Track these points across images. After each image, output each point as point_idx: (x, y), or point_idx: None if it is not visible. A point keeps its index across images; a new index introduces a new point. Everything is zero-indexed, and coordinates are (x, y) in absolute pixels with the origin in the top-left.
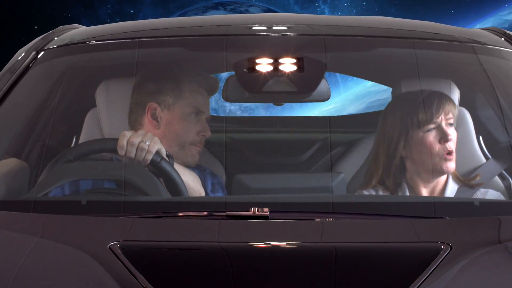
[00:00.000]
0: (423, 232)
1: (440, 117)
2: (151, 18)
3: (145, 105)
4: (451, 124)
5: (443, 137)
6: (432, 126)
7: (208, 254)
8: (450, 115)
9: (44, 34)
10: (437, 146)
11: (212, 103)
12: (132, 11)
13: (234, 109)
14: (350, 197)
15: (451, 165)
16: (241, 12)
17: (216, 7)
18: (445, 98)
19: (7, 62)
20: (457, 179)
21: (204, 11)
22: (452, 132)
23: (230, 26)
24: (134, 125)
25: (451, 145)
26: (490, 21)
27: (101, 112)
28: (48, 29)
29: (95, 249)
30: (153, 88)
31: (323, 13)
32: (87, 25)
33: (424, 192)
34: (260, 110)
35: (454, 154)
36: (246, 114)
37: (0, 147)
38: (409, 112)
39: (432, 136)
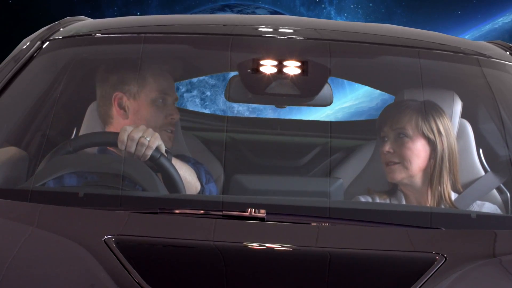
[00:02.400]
0: (418, 241)
1: (396, 128)
2: None
3: (111, 96)
4: (404, 136)
5: (385, 148)
6: (384, 135)
7: (202, 253)
8: (409, 128)
9: (50, 25)
10: (382, 155)
11: (220, 104)
12: (138, 13)
13: (242, 109)
14: (347, 203)
15: (392, 175)
16: (247, 14)
17: (223, 9)
18: (413, 110)
19: None
20: (454, 190)
21: (211, 12)
22: (399, 144)
23: (236, 26)
24: (105, 118)
25: (391, 156)
26: (496, 24)
27: None
28: None
29: (90, 242)
30: (117, 78)
31: (329, 14)
32: None
33: (417, 201)
34: (268, 110)
35: (398, 165)
36: (254, 115)
37: (0, 135)
38: (396, 121)
39: (382, 146)
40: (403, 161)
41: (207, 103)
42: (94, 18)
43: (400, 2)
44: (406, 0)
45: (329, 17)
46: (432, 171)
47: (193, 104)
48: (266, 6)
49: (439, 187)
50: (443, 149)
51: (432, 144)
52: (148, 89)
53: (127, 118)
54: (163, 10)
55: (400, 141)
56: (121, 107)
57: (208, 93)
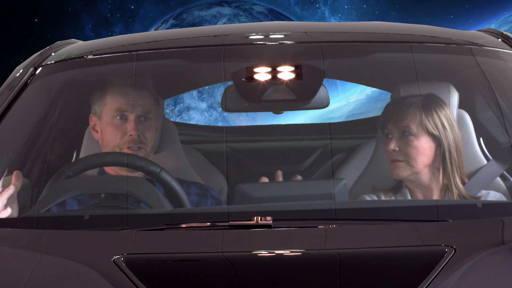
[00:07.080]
0: (426, 235)
1: (400, 126)
2: (152, 15)
3: (88, 117)
4: (409, 134)
5: (390, 145)
6: (388, 133)
7: (213, 265)
8: (414, 125)
9: (41, 50)
10: (386, 153)
11: (217, 97)
12: (132, 7)
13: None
14: (353, 203)
15: (397, 172)
16: (245, 10)
17: (220, 4)
18: (416, 107)
19: (6, 54)
20: (457, 186)
21: (209, 7)
22: (404, 142)
23: (227, 36)
24: (90, 136)
25: (396, 154)
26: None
27: None
28: (48, 23)
29: (99, 263)
30: (92, 100)
31: (323, 14)
32: (88, 20)
33: (424, 195)
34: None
35: (403, 163)
36: (263, 115)
37: (1, 164)
38: (400, 118)
39: (387, 143)
40: (408, 159)
41: (204, 95)
42: (87, 10)
43: (393, 5)
44: (400, 3)
45: (323, 17)
46: (439, 165)
47: (190, 97)
48: (261, 3)
49: (446, 180)
50: (448, 143)
51: (437, 139)
52: (107, 108)
53: (100, 138)
54: (157, 4)
55: (405, 139)
56: (94, 128)
57: (205, 86)
